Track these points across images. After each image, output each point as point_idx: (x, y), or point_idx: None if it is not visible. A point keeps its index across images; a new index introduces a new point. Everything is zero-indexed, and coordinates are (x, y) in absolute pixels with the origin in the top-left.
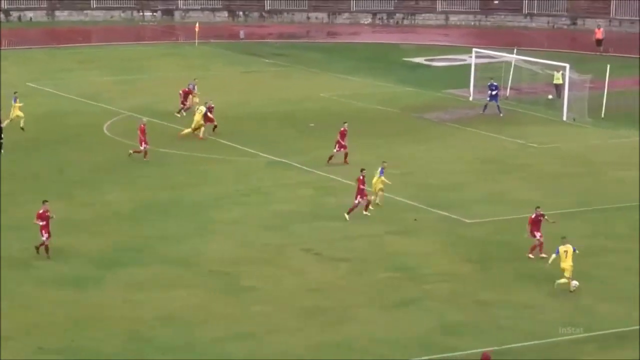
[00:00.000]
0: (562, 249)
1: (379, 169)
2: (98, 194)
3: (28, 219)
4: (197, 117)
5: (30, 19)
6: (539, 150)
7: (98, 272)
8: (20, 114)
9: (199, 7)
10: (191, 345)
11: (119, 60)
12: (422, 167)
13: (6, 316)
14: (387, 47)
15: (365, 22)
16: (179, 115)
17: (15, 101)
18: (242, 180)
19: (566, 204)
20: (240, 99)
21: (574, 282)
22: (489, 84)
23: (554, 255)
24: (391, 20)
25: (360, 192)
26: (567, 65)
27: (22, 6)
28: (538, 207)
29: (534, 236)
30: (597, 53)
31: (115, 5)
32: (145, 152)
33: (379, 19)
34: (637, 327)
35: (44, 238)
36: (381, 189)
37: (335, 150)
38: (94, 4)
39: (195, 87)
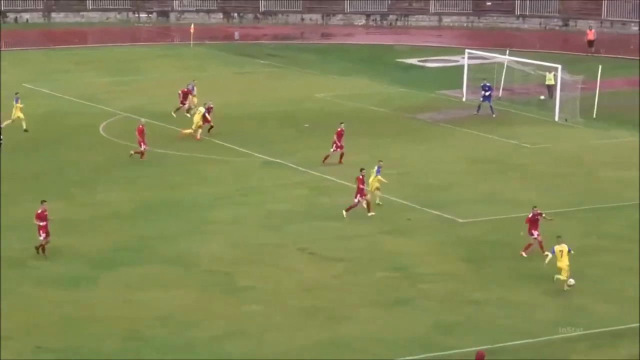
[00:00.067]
0: (557, 248)
1: (376, 168)
2: (95, 194)
3: (26, 219)
4: (197, 118)
5: (27, 20)
6: (532, 151)
7: (96, 271)
8: (21, 115)
9: (194, 9)
10: (189, 344)
11: (115, 62)
12: (416, 168)
13: (5, 316)
14: (381, 48)
15: (359, 24)
16: (174, 115)
17: (17, 102)
18: (238, 180)
19: (559, 204)
20: (235, 99)
21: (571, 281)
22: (482, 84)
23: (550, 255)
24: (385, 22)
25: (360, 192)
26: (559, 66)
27: (19, 8)
28: (535, 207)
29: (532, 235)
30: (589, 54)
31: (110, 7)
32: (142, 153)
33: (373, 20)
34: (631, 325)
35: (41, 238)
36: (377, 188)
37: (332, 150)
38: (89, 6)
39: (195, 87)
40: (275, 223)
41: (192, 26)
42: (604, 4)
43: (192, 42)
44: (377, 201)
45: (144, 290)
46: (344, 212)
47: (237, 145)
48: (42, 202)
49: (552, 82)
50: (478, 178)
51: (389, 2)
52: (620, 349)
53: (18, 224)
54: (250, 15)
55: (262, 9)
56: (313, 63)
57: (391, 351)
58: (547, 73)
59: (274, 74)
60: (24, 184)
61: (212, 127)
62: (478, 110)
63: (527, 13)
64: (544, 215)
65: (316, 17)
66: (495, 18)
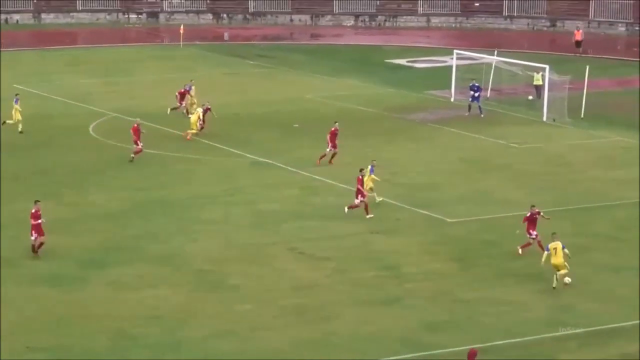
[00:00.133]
0: (551, 245)
1: (369, 167)
2: (85, 194)
3: (16, 218)
4: (194, 118)
5: (17, 21)
6: (520, 151)
7: (84, 271)
8: (19, 117)
9: (184, 10)
10: (177, 343)
11: (105, 62)
12: (405, 167)
13: None
14: (370, 49)
15: (348, 24)
16: (168, 112)
17: (16, 103)
18: (227, 180)
19: (547, 203)
20: (225, 100)
21: (567, 279)
22: (470, 84)
23: (545, 253)
24: (373, 23)
25: (360, 192)
26: (547, 67)
27: (9, 9)
28: (533, 206)
29: (530, 234)
30: (576, 54)
31: (100, 8)
32: (138, 152)
33: (362, 21)
34: (620, 324)
35: (32, 237)
36: (371, 188)
37: (328, 150)
38: (79, 7)
39: (192, 88)
40: (265, 223)
41: (182, 27)
42: (592, 4)
43: (181, 43)
44: (377, 201)
45: (134, 290)
46: (346, 208)
47: (226, 146)
48: (36, 202)
49: (540, 83)
50: (466, 178)
51: (378, 2)
52: (610, 348)
53: (8, 224)
54: (240, 16)
55: (251, 9)
56: (302, 63)
57: (380, 350)
58: (535, 73)
59: (264, 75)
60: (14, 184)
61: (202, 127)
62: (469, 111)
63: (515, 14)
64: (542, 214)
65: (305, 17)
66: (483, 19)
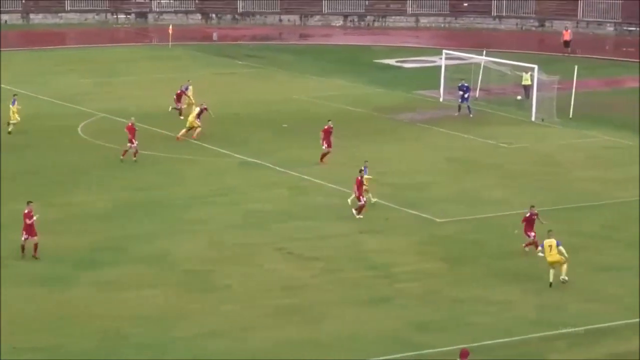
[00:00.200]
0: (547, 242)
1: (363, 167)
2: (73, 194)
3: (4, 219)
4: (191, 118)
5: (5, 21)
6: (509, 150)
7: (73, 271)
8: (17, 117)
9: (172, 10)
10: (167, 343)
11: (94, 63)
12: (394, 167)
13: None
14: (359, 49)
15: (337, 25)
16: (170, 110)
17: (13, 104)
18: (216, 180)
19: (536, 203)
20: (213, 100)
21: (563, 278)
22: (459, 85)
23: (540, 248)
24: (362, 23)
25: (360, 192)
26: (536, 67)
27: None
28: (532, 206)
29: (529, 236)
30: (565, 54)
31: (89, 8)
32: (125, 152)
33: (350, 21)
34: (609, 324)
35: (22, 238)
36: (366, 189)
37: (324, 148)
38: (68, 7)
39: (190, 88)
40: (254, 223)
41: (171, 27)
42: (580, 4)
43: (170, 43)
44: (372, 201)
45: (122, 290)
46: (354, 212)
47: (215, 146)
48: (29, 202)
49: (529, 82)
50: (455, 178)
51: (367, 3)
52: (599, 348)
53: None
54: (229, 16)
55: (240, 9)
56: (291, 64)
57: (370, 350)
58: (524, 73)
59: (253, 75)
60: (2, 184)
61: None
62: (458, 111)
63: (504, 14)
64: (539, 217)
65: (294, 18)
66: (472, 19)
